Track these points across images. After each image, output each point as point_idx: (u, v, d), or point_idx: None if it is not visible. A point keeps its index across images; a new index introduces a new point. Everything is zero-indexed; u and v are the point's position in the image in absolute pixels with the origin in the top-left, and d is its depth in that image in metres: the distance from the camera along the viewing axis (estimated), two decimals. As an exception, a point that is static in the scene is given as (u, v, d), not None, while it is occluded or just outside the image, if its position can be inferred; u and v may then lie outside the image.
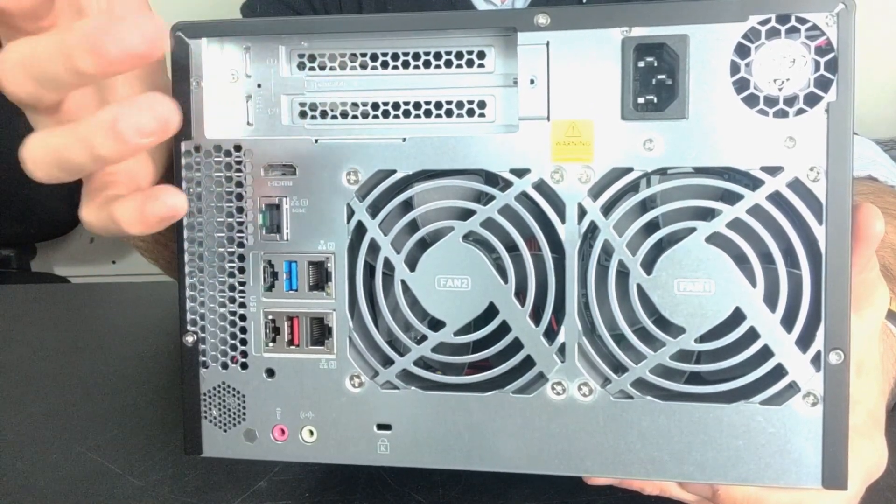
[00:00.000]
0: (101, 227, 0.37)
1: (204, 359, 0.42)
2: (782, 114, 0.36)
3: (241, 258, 0.41)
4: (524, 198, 0.39)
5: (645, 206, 0.38)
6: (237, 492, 0.48)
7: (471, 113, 0.39)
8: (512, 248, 0.39)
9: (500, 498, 0.46)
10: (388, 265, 0.40)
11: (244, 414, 0.42)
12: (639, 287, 0.38)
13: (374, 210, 0.40)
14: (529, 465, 0.40)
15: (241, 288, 0.41)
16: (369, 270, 0.41)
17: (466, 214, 0.39)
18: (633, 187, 0.38)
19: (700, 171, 0.38)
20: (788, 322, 0.37)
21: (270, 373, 0.42)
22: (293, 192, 0.40)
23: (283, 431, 0.42)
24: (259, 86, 0.41)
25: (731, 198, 0.37)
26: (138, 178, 0.40)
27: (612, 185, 0.38)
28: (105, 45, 0.31)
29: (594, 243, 0.38)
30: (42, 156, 0.34)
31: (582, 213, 0.38)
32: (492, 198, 0.39)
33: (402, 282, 0.40)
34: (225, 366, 0.42)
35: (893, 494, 0.45)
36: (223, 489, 0.48)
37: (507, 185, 0.39)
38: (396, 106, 0.40)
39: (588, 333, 0.39)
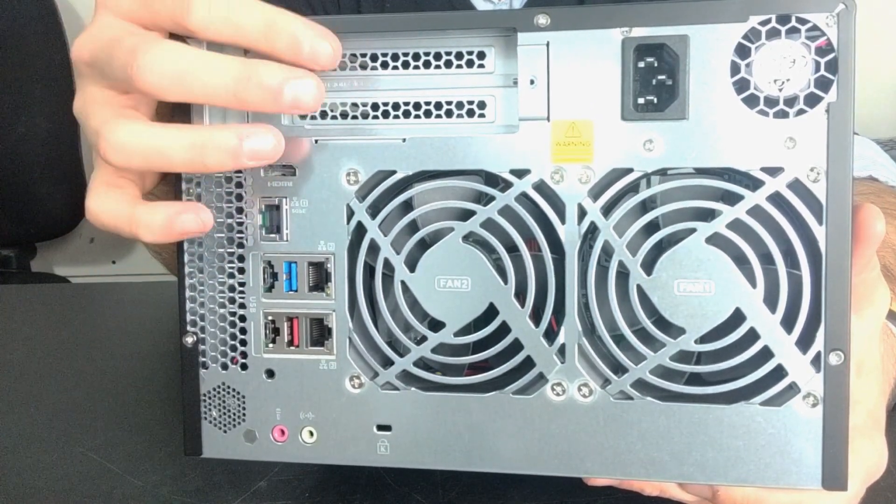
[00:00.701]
0: (111, 222, 0.38)
1: (204, 359, 0.42)
2: (782, 114, 0.36)
3: (241, 259, 0.41)
4: (524, 198, 0.39)
5: (645, 206, 0.38)
6: (237, 492, 0.48)
7: (471, 113, 0.39)
8: (512, 248, 0.39)
9: (500, 498, 0.46)
10: (387, 266, 0.40)
11: (244, 415, 0.42)
12: (639, 288, 0.38)
13: (373, 211, 0.40)
14: (529, 465, 0.40)
15: (241, 288, 0.41)
16: (369, 271, 0.41)
17: (466, 215, 0.39)
18: (633, 188, 0.38)
19: (700, 172, 0.38)
20: (788, 323, 0.37)
21: (270, 373, 0.42)
22: (293, 193, 0.40)
23: (282, 432, 0.42)
24: None
25: (732, 198, 0.37)
26: (146, 180, 0.40)
27: (612, 185, 0.38)
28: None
29: (594, 244, 0.38)
30: (136, 145, 0.35)
31: (582, 213, 0.38)
32: (492, 198, 0.39)
33: (402, 282, 0.40)
34: (225, 366, 0.42)
35: (894, 495, 0.45)
36: (223, 489, 0.48)
37: (507, 185, 0.39)
38: (396, 106, 0.40)
39: (588, 334, 0.39)
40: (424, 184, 0.40)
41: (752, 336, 0.37)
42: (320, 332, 0.41)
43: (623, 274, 0.38)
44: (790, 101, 0.36)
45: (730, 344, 0.37)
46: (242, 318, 0.41)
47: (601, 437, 0.39)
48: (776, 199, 0.37)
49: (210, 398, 0.42)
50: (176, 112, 0.40)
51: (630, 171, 0.38)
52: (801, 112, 0.36)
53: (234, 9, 0.35)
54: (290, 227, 0.41)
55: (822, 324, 0.37)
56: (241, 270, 0.41)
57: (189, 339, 0.42)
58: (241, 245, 0.41)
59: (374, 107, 0.40)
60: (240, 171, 0.41)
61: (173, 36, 0.37)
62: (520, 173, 0.38)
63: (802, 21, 0.36)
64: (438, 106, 0.39)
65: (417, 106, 0.40)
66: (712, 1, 0.36)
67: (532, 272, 0.39)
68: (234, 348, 0.42)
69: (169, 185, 0.42)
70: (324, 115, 0.41)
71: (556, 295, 0.39)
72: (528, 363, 0.39)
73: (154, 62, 0.35)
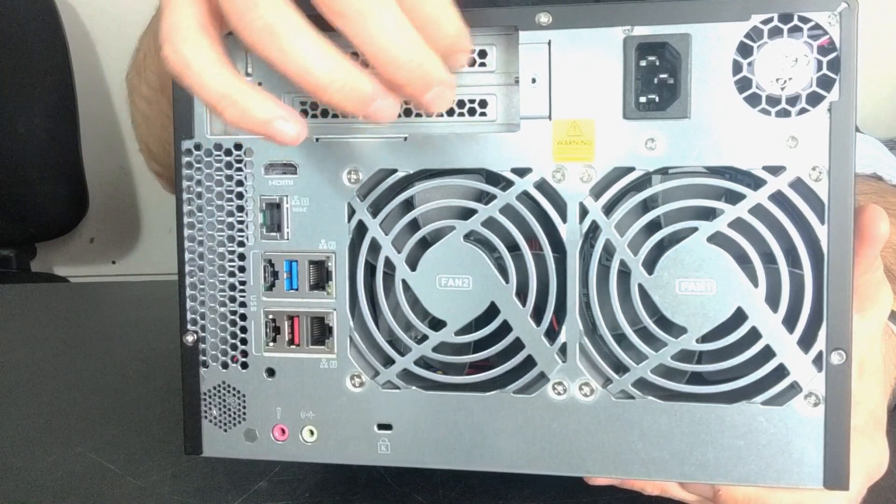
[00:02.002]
0: (204, 80, 0.34)
1: (204, 358, 0.42)
2: (784, 113, 0.36)
3: (242, 257, 0.41)
4: (525, 197, 0.39)
5: (646, 205, 0.38)
6: (237, 492, 0.47)
7: (472, 112, 0.39)
8: (513, 247, 0.39)
9: (501, 498, 0.46)
10: (388, 264, 0.40)
11: (244, 414, 0.42)
12: (640, 287, 0.38)
13: (374, 209, 0.40)
14: (530, 465, 0.40)
15: (242, 287, 0.41)
16: (370, 270, 0.41)
17: (467, 214, 0.39)
18: (634, 187, 0.38)
19: (702, 171, 0.37)
20: (790, 322, 0.37)
21: (271, 372, 0.42)
22: (294, 191, 0.40)
23: (283, 431, 0.42)
24: (260, 84, 0.41)
25: (733, 197, 0.37)
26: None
27: (613, 184, 0.38)
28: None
29: (595, 243, 0.38)
30: (187, 57, 0.33)
31: (583, 212, 0.38)
32: (493, 197, 0.39)
33: (403, 281, 0.40)
34: (225, 365, 0.42)
35: (895, 495, 0.45)
36: (223, 489, 0.48)
37: (509, 184, 0.38)
38: (397, 105, 0.40)
39: (589, 333, 0.39)
40: (425, 182, 0.40)
41: (754, 335, 0.37)
42: (321, 331, 0.41)
43: (624, 273, 0.38)
44: (792, 100, 0.36)
45: (731, 343, 0.37)
46: (243, 317, 0.41)
47: (602, 436, 0.39)
48: (778, 198, 0.37)
49: (210, 397, 0.42)
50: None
51: (632, 169, 0.38)
52: (803, 111, 0.36)
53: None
54: (291, 226, 0.40)
55: (824, 323, 0.37)
56: (242, 269, 0.41)
57: (189, 338, 0.42)
58: (241, 244, 0.41)
59: (376, 105, 0.40)
60: (240, 170, 0.41)
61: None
62: (521, 172, 0.38)
63: (805, 20, 0.36)
64: (440, 104, 0.39)
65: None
66: (714, 0, 0.36)
67: (533, 271, 0.39)
68: (234, 347, 0.42)
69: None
70: (325, 113, 0.41)
71: (557, 294, 0.38)
72: (530, 362, 0.39)
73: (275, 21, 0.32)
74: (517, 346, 0.39)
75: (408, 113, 0.40)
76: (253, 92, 0.33)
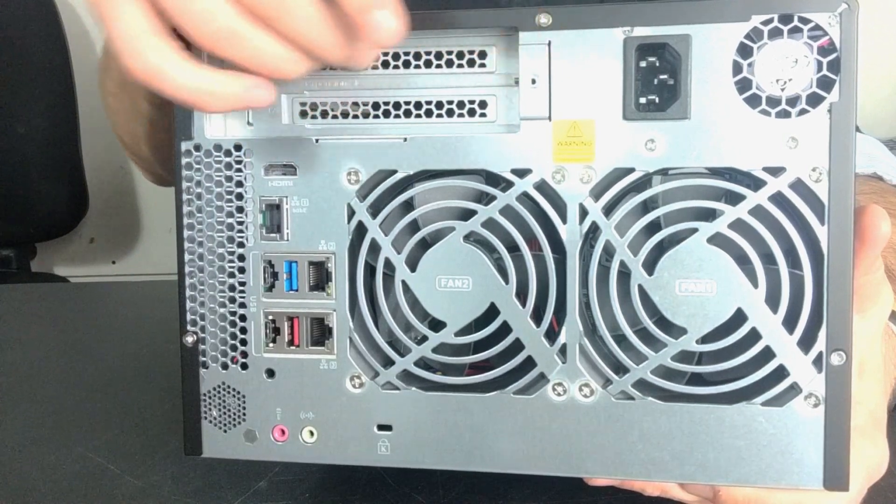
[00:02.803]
0: (172, 79, 0.34)
1: (204, 359, 0.42)
2: (784, 114, 0.36)
3: (242, 258, 0.41)
4: (525, 198, 0.39)
5: (646, 206, 0.38)
6: (237, 492, 0.47)
7: (472, 113, 0.39)
8: (513, 248, 0.39)
9: (501, 498, 0.46)
10: (388, 265, 0.40)
11: (244, 414, 0.42)
12: (640, 288, 0.38)
13: (374, 210, 0.40)
14: (530, 465, 0.40)
15: (242, 288, 0.41)
16: (370, 271, 0.41)
17: (467, 215, 0.39)
18: (634, 187, 0.38)
19: (702, 172, 0.37)
20: (790, 323, 0.37)
21: (270, 373, 0.41)
22: (293, 192, 0.40)
23: (283, 432, 0.42)
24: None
25: (733, 198, 0.37)
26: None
27: (613, 185, 0.38)
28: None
29: (595, 244, 0.38)
30: (152, 62, 0.33)
31: (583, 213, 0.38)
32: (493, 198, 0.39)
33: (403, 282, 0.40)
34: (225, 366, 0.42)
35: (895, 495, 0.45)
36: (223, 489, 0.48)
37: (509, 185, 0.38)
38: (397, 106, 0.40)
39: (589, 334, 0.39)
40: (425, 183, 0.40)
41: (754, 336, 0.37)
42: (321, 332, 0.41)
43: (624, 274, 0.38)
44: (792, 101, 0.36)
45: (731, 344, 0.37)
46: (243, 318, 0.41)
47: (602, 437, 0.39)
48: (778, 198, 0.37)
49: (210, 398, 0.42)
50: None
51: (632, 170, 0.38)
52: (803, 112, 0.36)
53: None
54: (291, 227, 0.40)
55: (824, 324, 0.37)
56: (242, 270, 0.41)
57: (189, 339, 0.42)
58: (241, 244, 0.41)
59: (376, 106, 0.40)
60: (240, 171, 0.41)
61: None
62: (521, 173, 0.38)
63: (805, 21, 0.36)
64: (439, 105, 0.39)
65: (418, 105, 0.40)
66: (714, 0, 0.36)
67: (533, 272, 0.39)
68: (234, 348, 0.42)
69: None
70: (325, 114, 0.41)
71: (557, 295, 0.38)
72: (529, 363, 0.39)
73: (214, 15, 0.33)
74: (517, 346, 0.39)
75: (408, 114, 0.40)
76: (220, 74, 0.34)
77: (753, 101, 0.36)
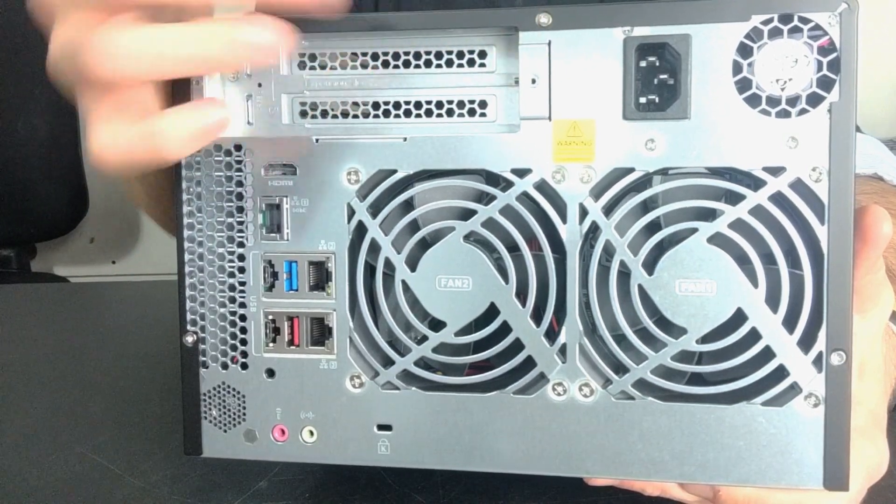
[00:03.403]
0: (127, 152, 0.34)
1: (204, 359, 0.42)
2: (784, 114, 0.36)
3: (241, 258, 0.41)
4: (525, 198, 0.39)
5: (646, 206, 0.38)
6: (237, 492, 0.47)
7: (472, 112, 0.39)
8: (513, 248, 0.39)
9: (501, 498, 0.46)
10: (388, 265, 0.40)
11: (244, 414, 0.42)
12: (640, 287, 0.38)
13: (374, 210, 0.40)
14: (530, 465, 0.40)
15: (242, 288, 0.41)
16: (370, 270, 0.41)
17: (467, 214, 0.39)
18: (634, 187, 0.38)
19: (702, 172, 0.37)
20: (790, 323, 0.37)
21: (270, 373, 0.41)
22: (293, 192, 0.40)
23: (283, 432, 0.42)
24: (259, 85, 0.41)
25: (733, 198, 0.37)
26: (148, 107, 0.36)
27: (613, 185, 0.38)
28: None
29: (595, 243, 0.38)
30: (142, 49, 0.33)
31: (583, 213, 0.38)
32: (493, 198, 0.39)
33: (403, 282, 0.40)
34: (225, 366, 0.42)
35: (895, 495, 0.45)
36: (223, 489, 0.48)
37: (509, 185, 0.38)
38: (397, 105, 0.40)
39: (589, 334, 0.39)
40: (425, 183, 0.40)
41: (754, 336, 0.37)
42: (321, 332, 0.41)
43: (624, 274, 0.38)
44: (792, 101, 0.36)
45: (731, 344, 0.37)
46: (243, 318, 0.41)
47: (602, 437, 0.39)
48: (778, 198, 0.37)
49: (210, 398, 0.42)
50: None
51: (632, 170, 0.38)
52: (803, 112, 0.36)
53: None
54: (291, 227, 0.40)
55: (824, 324, 0.37)
56: (242, 270, 0.41)
57: (189, 339, 0.42)
58: (241, 244, 0.41)
59: (375, 106, 0.40)
60: (240, 171, 0.41)
61: None
62: (521, 173, 0.38)
63: (805, 20, 0.36)
64: (439, 105, 0.39)
65: (418, 105, 0.40)
66: (714, 0, 0.36)
67: (533, 272, 0.39)
68: (234, 348, 0.42)
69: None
70: (325, 114, 0.41)
71: (557, 294, 0.38)
72: (529, 363, 0.39)
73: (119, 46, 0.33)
74: (517, 346, 0.39)
75: (408, 114, 0.40)
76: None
77: (753, 100, 0.36)
